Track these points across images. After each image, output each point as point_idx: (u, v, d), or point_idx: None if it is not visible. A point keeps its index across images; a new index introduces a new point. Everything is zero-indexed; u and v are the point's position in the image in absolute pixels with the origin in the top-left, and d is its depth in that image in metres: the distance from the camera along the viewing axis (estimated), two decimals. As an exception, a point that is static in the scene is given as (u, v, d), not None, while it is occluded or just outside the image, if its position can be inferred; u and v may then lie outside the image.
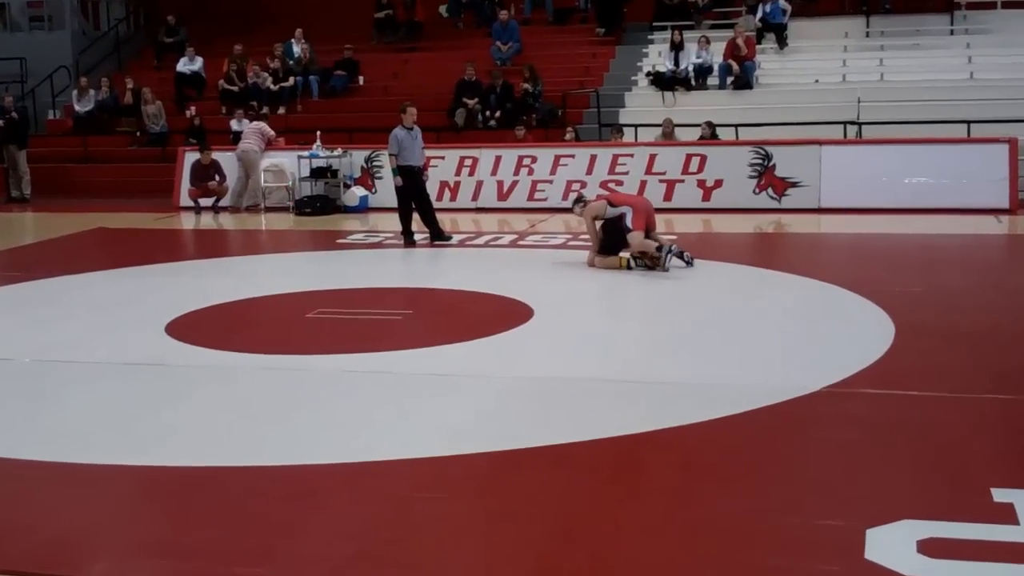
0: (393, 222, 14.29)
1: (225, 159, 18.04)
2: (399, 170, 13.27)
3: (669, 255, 10.92)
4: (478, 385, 6.85)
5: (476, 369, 7.27)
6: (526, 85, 20.26)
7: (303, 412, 6.34)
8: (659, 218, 15.63)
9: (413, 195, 13.37)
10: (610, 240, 11.16)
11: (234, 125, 20.41)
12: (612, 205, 11.30)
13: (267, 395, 6.75)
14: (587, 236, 11.64)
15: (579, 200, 11.82)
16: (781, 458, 5.45)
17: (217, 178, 17.76)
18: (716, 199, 16.29)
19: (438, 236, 13.47)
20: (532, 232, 14.64)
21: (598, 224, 11.28)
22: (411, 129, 13.39)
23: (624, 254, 11.11)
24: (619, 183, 16.55)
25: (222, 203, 17.90)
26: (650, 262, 11.04)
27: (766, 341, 7.89)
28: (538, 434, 5.81)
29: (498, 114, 20.36)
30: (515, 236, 14.22)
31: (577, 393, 6.62)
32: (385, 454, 5.55)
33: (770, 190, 16.12)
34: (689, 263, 11.04)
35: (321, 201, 17.49)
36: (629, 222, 11.08)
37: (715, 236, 14.67)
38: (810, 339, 7.93)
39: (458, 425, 6.01)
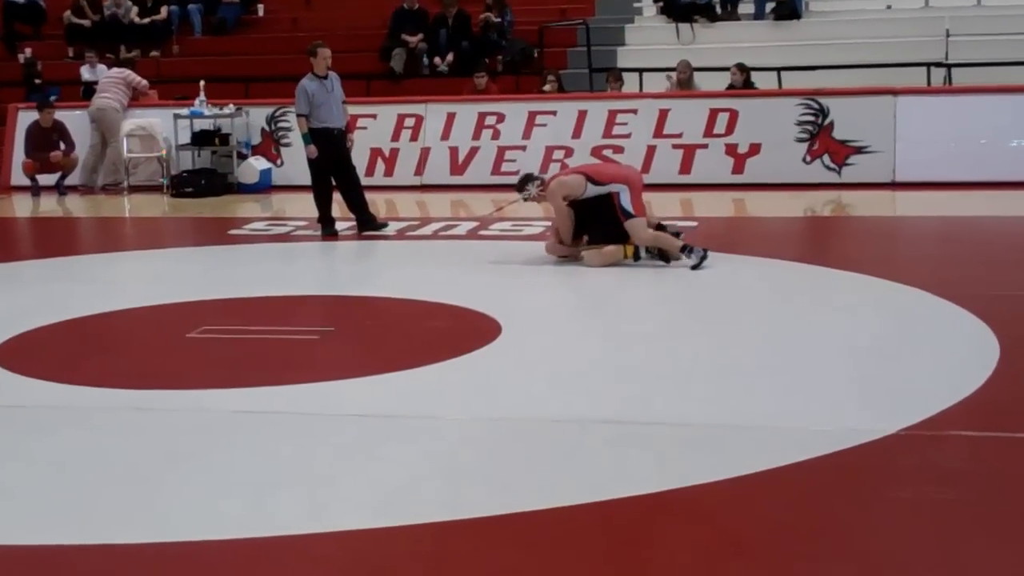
0: (307, 205, 14.29)
1: (74, 120, 17.98)
2: (312, 135, 13.17)
3: (700, 256, 11.01)
4: (422, 430, 6.82)
5: (420, 408, 7.25)
6: (488, 15, 20.31)
7: (182, 470, 6.30)
8: (674, 197, 15.91)
9: (332, 169, 13.35)
10: (601, 225, 11.19)
11: (86, 73, 20.33)
12: (595, 182, 11.32)
13: (134, 447, 6.71)
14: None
15: (530, 179, 11.70)
16: (845, 530, 5.46)
17: (63, 146, 17.70)
18: (752, 171, 16.38)
19: (368, 224, 13.47)
20: (498, 218, 14.65)
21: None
22: (325, 78, 13.37)
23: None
24: (618, 150, 16.62)
25: (69, 180, 17.82)
26: (661, 257, 11.10)
27: (822, 366, 7.92)
28: (505, 497, 5.80)
29: (451, 56, 20.39)
30: (475, 224, 14.23)
31: (560, 440, 6.60)
32: (293, 527, 5.52)
33: (826, 158, 16.23)
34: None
35: (207, 177, 17.47)
36: (627, 204, 11.14)
37: (750, 222, 14.74)
38: (883, 363, 7.97)
39: (394, 486, 5.98)
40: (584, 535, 5.43)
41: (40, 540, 5.49)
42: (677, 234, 11.41)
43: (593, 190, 11.22)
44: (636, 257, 11.15)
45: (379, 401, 7.41)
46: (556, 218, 11.46)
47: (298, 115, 13.29)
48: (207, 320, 9.59)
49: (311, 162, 13.38)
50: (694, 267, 10.95)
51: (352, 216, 13.62)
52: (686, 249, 11.06)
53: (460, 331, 9.18)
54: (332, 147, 13.26)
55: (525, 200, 11.73)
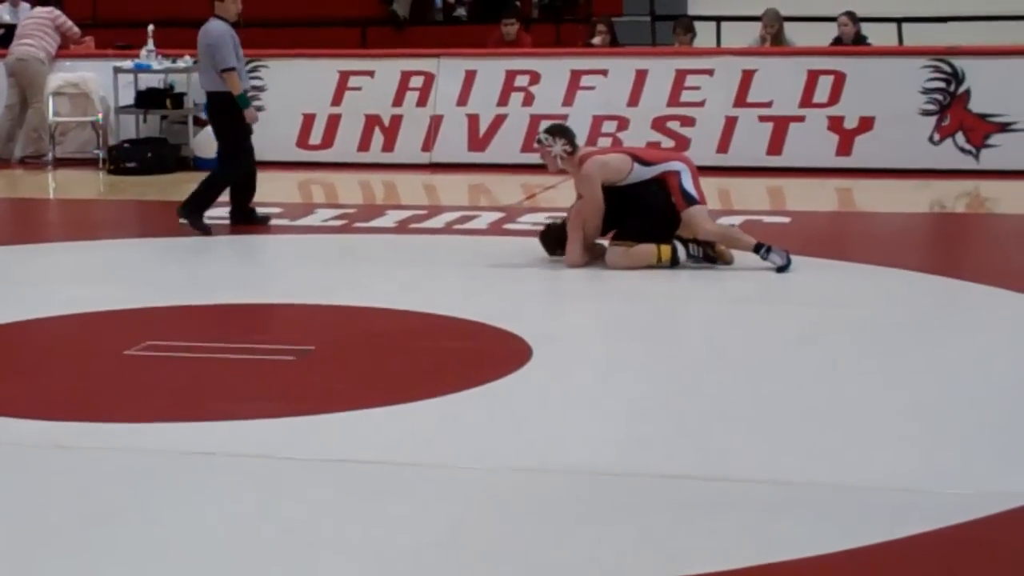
0: (282, 186, 14.34)
1: (-15, 73, 18.05)
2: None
3: (784, 257, 11.09)
4: (428, 482, 6.81)
5: (425, 454, 7.23)
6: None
7: (115, 529, 6.28)
8: (759, 184, 15.86)
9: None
10: (638, 218, 11.17)
11: (4, 13, 20.38)
12: (644, 162, 11.35)
13: (53, 497, 6.68)
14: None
15: (559, 132, 11.62)
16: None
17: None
18: (862, 152, 16.37)
19: (250, 215, 13.54)
20: (530, 208, 14.63)
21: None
22: (236, 26, 13.42)
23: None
24: (687, 122, 16.60)
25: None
26: (712, 252, 11.17)
27: (954, 411, 7.88)
28: (539, 574, 5.75)
29: (471, -3, 20.40)
30: (499, 215, 14.21)
31: (610, 499, 6.58)
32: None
33: (960, 137, 16.20)
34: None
35: (154, 149, 17.50)
36: (690, 187, 11.15)
37: (859, 219, 14.71)
38: (1029, 405, 7.93)
39: (390, 556, 5.94)
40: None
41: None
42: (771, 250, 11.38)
43: (640, 173, 11.20)
44: (674, 262, 11.09)
45: (372, 443, 7.38)
46: (585, 205, 11.33)
47: (224, 70, 13.13)
48: (151, 334, 9.58)
49: (242, 133, 13.42)
50: (780, 269, 11.01)
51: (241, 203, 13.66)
52: (762, 248, 11.06)
53: (478, 354, 9.18)
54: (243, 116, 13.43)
55: (540, 144, 11.57)
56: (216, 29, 13.17)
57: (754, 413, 7.87)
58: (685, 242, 11.18)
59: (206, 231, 13.14)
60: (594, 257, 11.39)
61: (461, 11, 20.39)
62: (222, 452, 7.21)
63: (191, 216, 13.14)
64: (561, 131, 11.67)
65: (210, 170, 17.05)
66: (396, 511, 6.44)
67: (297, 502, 6.59)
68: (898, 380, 8.49)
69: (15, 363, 9.25)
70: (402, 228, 13.58)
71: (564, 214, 11.77)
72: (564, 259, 11.42)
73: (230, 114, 13.25)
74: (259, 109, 17.57)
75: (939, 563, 5.87)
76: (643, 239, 11.19)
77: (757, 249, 11.13)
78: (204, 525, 6.32)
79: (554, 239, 11.60)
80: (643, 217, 11.18)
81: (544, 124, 11.94)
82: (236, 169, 13.41)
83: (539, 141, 11.59)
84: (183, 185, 16.42)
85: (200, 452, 7.21)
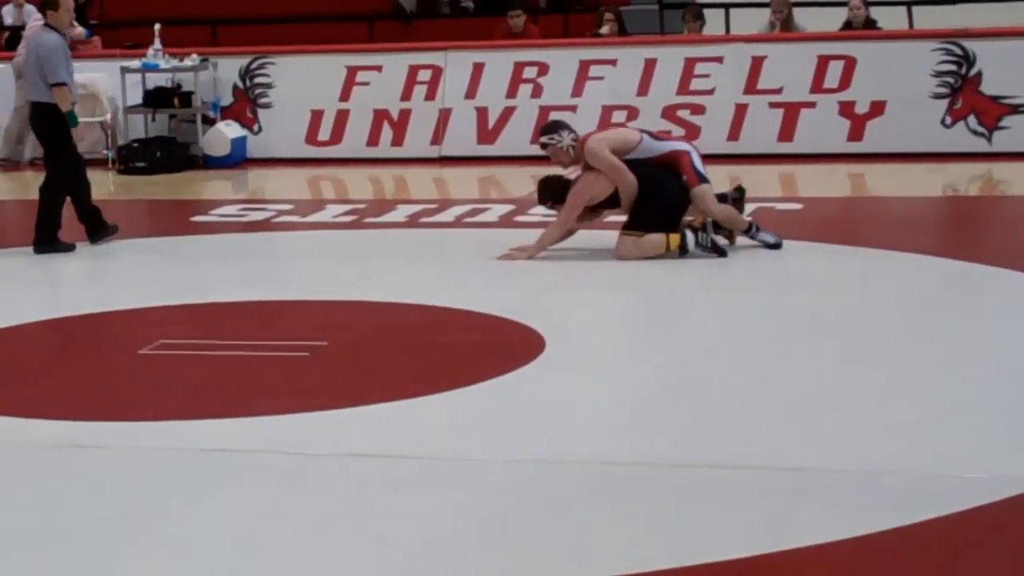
0: (290, 183, 14.36)
1: (-10, 74, 18.08)
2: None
3: (765, 234, 11.37)
4: (444, 475, 6.85)
5: (440, 446, 7.27)
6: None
7: (133, 523, 6.33)
8: (772, 171, 15.83)
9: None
10: (649, 203, 11.23)
11: (9, 15, 20.41)
12: (654, 137, 11.53)
13: (71, 494, 6.73)
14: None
15: (559, 127, 11.73)
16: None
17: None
18: (874, 136, 16.36)
19: (102, 228, 13.05)
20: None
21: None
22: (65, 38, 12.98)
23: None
24: (697, 110, 16.61)
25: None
26: (726, 236, 11.32)
27: (969, 395, 7.90)
28: (551, 563, 5.80)
29: (479, -12, 20.41)
30: (509, 207, 14.22)
31: (625, 489, 6.62)
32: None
33: (972, 119, 16.19)
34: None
35: (163, 148, 17.51)
36: (700, 166, 11.29)
37: (872, 204, 14.69)
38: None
39: (406, 548, 5.99)
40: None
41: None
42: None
43: (650, 146, 11.26)
44: (683, 250, 11.11)
45: (386, 437, 7.42)
46: (610, 176, 11.26)
47: (56, 84, 12.57)
48: (165, 332, 9.63)
49: (68, 146, 12.83)
50: (772, 246, 11.27)
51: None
52: (752, 227, 11.37)
53: (491, 347, 9.20)
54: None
55: (547, 147, 11.60)
56: (50, 41, 12.69)
57: (766, 401, 7.90)
58: (695, 230, 11.20)
59: (70, 248, 12.69)
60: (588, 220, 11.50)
61: (468, 3, 20.42)
62: (238, 448, 7.27)
63: (49, 247, 12.63)
64: (559, 125, 11.77)
65: (219, 168, 17.25)
66: (412, 503, 6.48)
67: (313, 496, 6.64)
68: (912, 364, 8.49)
69: (31, 364, 9.30)
70: (413, 222, 13.58)
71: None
72: (555, 222, 11.60)
73: (56, 127, 12.68)
74: (267, 107, 17.75)
75: (953, 548, 5.90)
76: (653, 228, 11.21)
77: (748, 229, 11.34)
78: (221, 520, 6.37)
79: (551, 190, 11.68)
80: (658, 203, 11.20)
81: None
82: (63, 186, 12.78)
83: (544, 144, 11.60)
84: (193, 184, 16.49)
85: (216, 449, 7.26)
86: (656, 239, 11.19)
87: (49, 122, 12.66)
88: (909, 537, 5.94)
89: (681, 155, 11.28)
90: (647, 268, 11.05)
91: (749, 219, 11.51)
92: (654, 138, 11.48)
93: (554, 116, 16.75)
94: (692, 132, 16.44)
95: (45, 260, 12.72)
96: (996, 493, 6.30)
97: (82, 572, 5.86)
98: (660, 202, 11.17)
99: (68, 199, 12.71)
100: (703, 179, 11.22)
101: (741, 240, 11.42)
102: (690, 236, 11.15)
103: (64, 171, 12.73)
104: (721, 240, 11.19)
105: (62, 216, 12.62)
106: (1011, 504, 6.23)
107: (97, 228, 12.84)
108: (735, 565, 5.73)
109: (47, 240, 12.62)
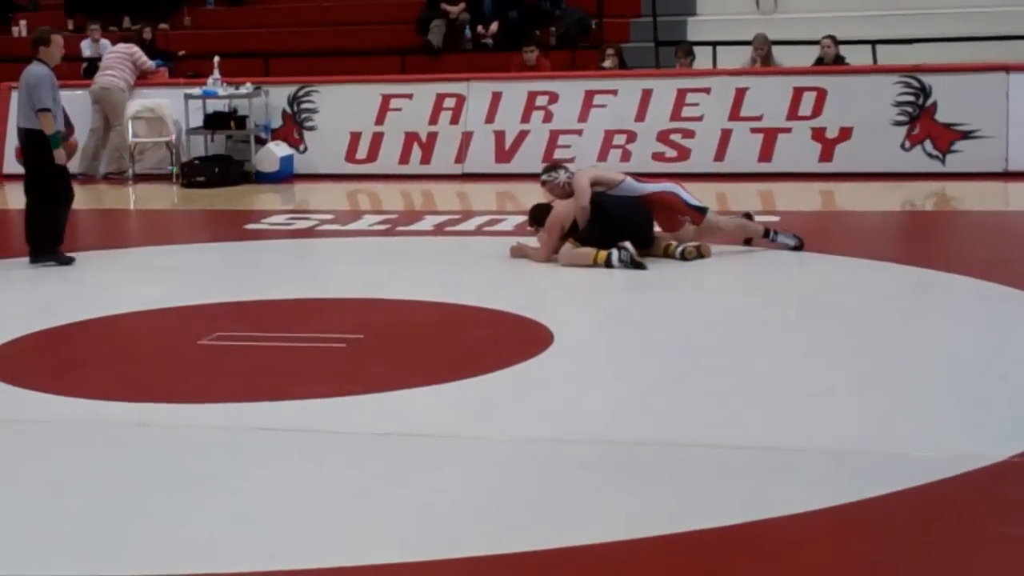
0: (333, 196, 14.33)
1: (73, 101, 18.02)
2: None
3: (784, 236, 11.49)
4: (465, 452, 6.83)
5: (462, 426, 7.27)
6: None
7: (192, 494, 6.33)
8: (752, 188, 15.83)
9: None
10: (595, 224, 11.15)
11: (87, 48, 20.44)
12: (637, 179, 11.58)
13: (137, 468, 6.73)
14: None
15: (557, 167, 11.74)
16: (948, 571, 5.41)
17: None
18: (842, 158, 16.31)
19: (53, 255, 12.28)
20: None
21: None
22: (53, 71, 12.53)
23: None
24: (688, 134, 16.58)
25: (69, 168, 17.90)
26: (698, 253, 11.30)
27: (922, 383, 7.89)
28: (559, 530, 5.79)
29: (496, 28, 20.39)
30: (523, 218, 14.17)
31: (623, 465, 6.60)
32: (316, 560, 5.53)
33: (928, 144, 16.13)
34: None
35: (221, 165, 17.52)
36: (694, 200, 11.41)
37: (840, 217, 14.66)
38: (993, 380, 7.91)
39: (432, 515, 5.99)
40: (646, 574, 5.41)
41: (32, 572, 5.53)
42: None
43: (631, 186, 11.26)
44: (608, 264, 11.02)
45: (415, 418, 7.41)
46: (564, 208, 11.29)
47: (41, 110, 12.19)
48: (221, 325, 9.62)
49: (53, 172, 12.31)
50: (793, 247, 11.43)
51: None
52: (771, 233, 11.54)
53: (507, 339, 9.18)
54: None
55: (546, 183, 11.56)
56: (38, 72, 12.33)
57: (748, 389, 7.87)
58: (619, 249, 11.02)
59: (69, 261, 12.16)
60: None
61: (488, 40, 20.37)
62: (284, 427, 7.26)
63: (50, 257, 12.15)
64: (558, 165, 11.79)
65: (270, 183, 17.23)
66: (437, 477, 6.48)
67: (350, 470, 6.64)
68: (874, 357, 8.46)
69: (102, 353, 9.29)
70: (438, 231, 13.57)
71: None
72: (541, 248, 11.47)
73: (43, 152, 12.26)
74: (312, 129, 17.76)
75: (912, 518, 5.89)
76: (589, 243, 11.12)
77: (766, 234, 11.47)
78: (269, 493, 6.36)
79: (536, 216, 11.65)
80: (602, 226, 11.11)
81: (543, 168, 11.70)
82: (60, 204, 12.41)
83: (545, 181, 11.55)
84: (247, 196, 16.49)
85: (265, 428, 7.26)
86: (587, 251, 11.11)
87: (35, 145, 12.28)
88: (873, 509, 5.92)
89: (671, 198, 11.30)
90: (644, 274, 10.98)
91: (763, 226, 11.69)
92: (638, 181, 11.46)
93: (561, 141, 16.88)
94: (683, 154, 16.46)
95: (117, 261, 12.74)
96: (950, 470, 6.29)
97: (146, 536, 5.84)
98: (604, 226, 11.11)
99: (51, 210, 12.30)
100: (703, 210, 11.31)
101: (741, 250, 11.49)
102: (615, 254, 11.02)
103: (58, 193, 12.36)
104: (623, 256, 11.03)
105: (64, 229, 12.30)
106: (963, 480, 6.22)
107: (43, 251, 12.20)
108: (719, 532, 5.71)
109: (49, 252, 12.15)
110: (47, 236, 12.25)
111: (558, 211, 11.36)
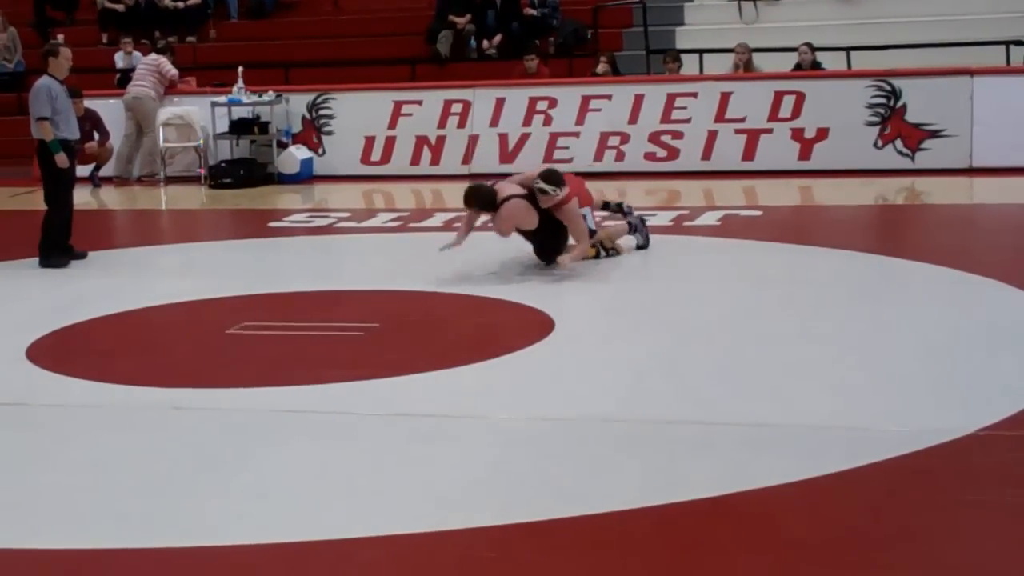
0: (349, 196, 14.33)
1: (108, 109, 18.08)
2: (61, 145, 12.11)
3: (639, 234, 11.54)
4: (474, 430, 6.87)
5: (471, 407, 7.30)
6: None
7: (222, 472, 6.37)
8: (737, 185, 15.84)
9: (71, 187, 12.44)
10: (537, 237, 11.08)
11: (120, 60, 20.45)
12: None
13: (172, 447, 6.78)
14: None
15: (561, 183, 11.01)
16: (920, 537, 5.43)
17: (96, 136, 17.79)
18: (819, 157, 16.30)
19: (67, 253, 12.20)
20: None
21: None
22: (62, 83, 12.40)
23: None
24: (677, 135, 16.59)
25: (104, 171, 17.95)
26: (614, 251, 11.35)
27: (895, 362, 7.90)
28: (560, 501, 5.83)
29: (499, 38, 20.39)
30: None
31: (618, 441, 6.63)
32: (338, 531, 5.57)
33: (898, 143, 16.12)
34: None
35: (245, 167, 17.53)
36: (592, 222, 11.29)
37: (818, 211, 14.65)
38: (960, 359, 7.94)
39: (444, 489, 6.03)
40: (642, 540, 5.45)
41: (75, 544, 5.57)
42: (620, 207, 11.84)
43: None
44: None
45: (427, 400, 7.44)
46: (572, 226, 11.00)
47: (39, 119, 12.04)
48: (247, 316, 9.65)
49: (55, 177, 12.13)
50: (639, 247, 11.42)
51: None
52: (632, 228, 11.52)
53: (511, 327, 9.20)
54: (72, 162, 12.37)
55: (544, 192, 11.31)
56: (37, 84, 12.23)
57: (733, 369, 7.90)
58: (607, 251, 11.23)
59: (69, 262, 11.98)
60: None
61: (492, 50, 20.37)
62: (306, 410, 7.29)
63: (50, 261, 11.96)
64: (559, 179, 11.26)
65: (291, 184, 17.25)
66: (447, 454, 6.52)
67: (369, 448, 6.67)
68: (850, 339, 8.48)
69: (138, 342, 9.31)
70: (447, 227, 13.52)
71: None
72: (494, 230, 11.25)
73: (44, 158, 12.12)
74: (329, 133, 17.77)
75: (886, 487, 5.92)
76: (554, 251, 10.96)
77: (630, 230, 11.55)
78: (293, 469, 6.39)
79: (478, 199, 11.26)
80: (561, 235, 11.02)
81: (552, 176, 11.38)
82: (65, 209, 12.22)
83: (545, 192, 11.15)
84: (270, 196, 16.50)
85: (289, 410, 7.29)
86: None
87: (46, 155, 12.08)
88: (850, 479, 5.96)
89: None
90: (637, 264, 11.02)
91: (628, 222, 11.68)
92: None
93: (560, 143, 16.87)
94: (673, 153, 16.47)
95: (150, 257, 12.77)
96: (921, 443, 6.32)
97: (178, 512, 5.88)
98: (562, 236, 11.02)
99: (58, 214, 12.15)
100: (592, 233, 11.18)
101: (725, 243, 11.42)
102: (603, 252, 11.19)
103: (64, 199, 12.21)
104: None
105: (71, 229, 12.15)
106: (933, 452, 6.25)
107: (51, 254, 12.04)
108: (709, 502, 5.75)
109: (50, 255, 11.97)
110: (51, 240, 12.07)
111: (524, 213, 10.92)
